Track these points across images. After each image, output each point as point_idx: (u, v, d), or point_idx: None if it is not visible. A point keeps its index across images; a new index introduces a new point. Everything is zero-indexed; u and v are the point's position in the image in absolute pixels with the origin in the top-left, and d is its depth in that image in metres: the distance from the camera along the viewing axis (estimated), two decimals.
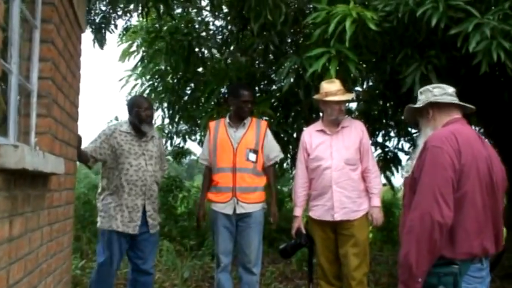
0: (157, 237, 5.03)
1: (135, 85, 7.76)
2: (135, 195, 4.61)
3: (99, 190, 4.76)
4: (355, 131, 4.66)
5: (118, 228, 4.57)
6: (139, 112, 4.72)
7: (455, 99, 2.83)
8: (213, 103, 7.00)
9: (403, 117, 3.19)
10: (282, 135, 6.76)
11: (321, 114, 5.05)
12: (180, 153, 9.62)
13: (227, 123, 4.92)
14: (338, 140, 4.61)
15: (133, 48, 7.56)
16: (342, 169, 4.54)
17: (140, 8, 6.09)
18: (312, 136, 4.73)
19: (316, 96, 4.73)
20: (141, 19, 7.12)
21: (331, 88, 4.57)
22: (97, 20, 8.34)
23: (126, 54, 7.58)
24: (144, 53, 7.45)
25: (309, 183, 4.71)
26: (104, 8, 8.38)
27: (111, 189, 4.63)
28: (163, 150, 5.15)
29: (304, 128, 4.91)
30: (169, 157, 10.34)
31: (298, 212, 4.74)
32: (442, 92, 2.83)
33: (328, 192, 4.55)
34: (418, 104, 2.88)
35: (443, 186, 2.48)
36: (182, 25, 7.19)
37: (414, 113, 2.97)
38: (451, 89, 2.86)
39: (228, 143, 4.81)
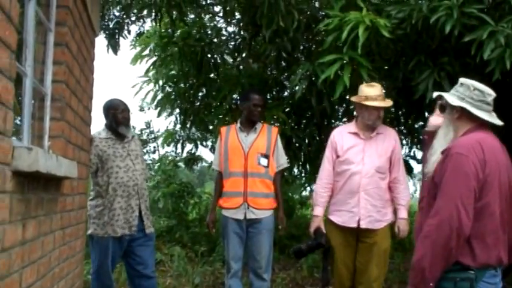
0: (153, 238, 4.95)
1: (149, 92, 7.77)
2: (128, 196, 4.57)
3: (90, 197, 4.66)
4: (389, 139, 4.52)
5: (116, 233, 4.52)
6: (115, 114, 4.67)
7: (490, 112, 2.72)
8: (225, 109, 7.00)
9: (433, 96, 3.00)
10: (294, 141, 6.75)
11: (355, 114, 4.89)
12: (192, 160, 9.62)
13: (238, 128, 4.93)
14: (371, 145, 4.46)
15: (146, 52, 7.58)
16: (371, 176, 4.41)
17: (153, 13, 6.12)
18: (343, 137, 4.56)
19: (354, 99, 4.53)
20: (154, 24, 7.15)
21: (371, 92, 4.39)
22: (111, 26, 8.40)
23: (138, 57, 7.60)
24: (157, 57, 7.47)
25: (332, 184, 4.56)
26: (117, 14, 8.43)
27: (103, 196, 4.56)
28: (142, 152, 5.13)
29: (335, 131, 4.74)
30: (181, 163, 10.37)
31: (319, 211, 4.56)
32: (481, 97, 2.70)
33: (354, 197, 4.41)
34: (451, 99, 2.76)
35: (466, 196, 2.46)
36: (195, 31, 7.21)
37: (442, 99, 2.85)
38: (490, 97, 2.73)
39: (239, 147, 4.82)
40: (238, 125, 4.95)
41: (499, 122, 2.75)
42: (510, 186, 2.60)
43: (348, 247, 4.51)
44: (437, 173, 2.60)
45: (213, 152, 8.42)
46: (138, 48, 7.69)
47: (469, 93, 2.72)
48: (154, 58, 7.49)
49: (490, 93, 2.74)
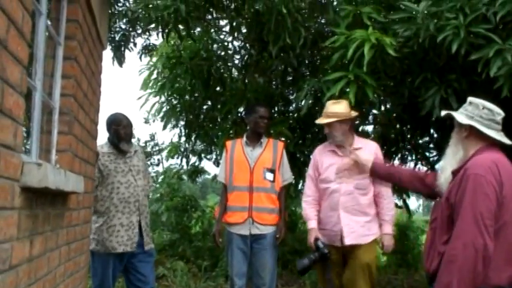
0: (153, 255, 4.95)
1: (154, 104, 7.79)
2: (129, 212, 4.56)
3: None
4: (369, 153, 4.47)
5: (116, 250, 4.50)
6: (118, 130, 4.67)
7: (498, 131, 2.73)
8: (230, 122, 7.01)
9: (442, 114, 2.99)
10: (298, 156, 6.74)
11: None
12: (195, 172, 9.61)
13: (244, 142, 4.93)
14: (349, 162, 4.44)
15: (154, 76, 7.63)
16: (350, 194, 4.38)
17: (160, 28, 6.14)
18: (323, 155, 4.59)
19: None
20: (160, 39, 7.17)
21: (327, 109, 4.49)
22: (117, 38, 8.42)
23: (147, 82, 7.65)
24: (165, 79, 7.51)
25: (318, 200, 4.55)
26: (123, 26, 8.46)
27: (103, 211, 4.55)
28: (146, 166, 5.10)
29: (317, 148, 4.78)
30: (184, 176, 10.35)
31: (312, 224, 4.52)
32: (490, 116, 2.71)
33: (334, 216, 4.40)
34: (460, 118, 2.76)
35: (487, 217, 2.45)
36: (201, 47, 7.24)
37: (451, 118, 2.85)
38: (500, 116, 2.74)
39: (245, 161, 4.81)
40: (244, 139, 4.95)
41: (508, 141, 2.75)
42: None
43: (335, 264, 4.47)
44: (452, 193, 2.58)
45: (217, 165, 8.45)
46: (146, 72, 7.72)
47: (478, 112, 2.73)
48: (163, 81, 7.53)
49: (499, 112, 2.75)
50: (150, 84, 7.64)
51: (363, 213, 4.41)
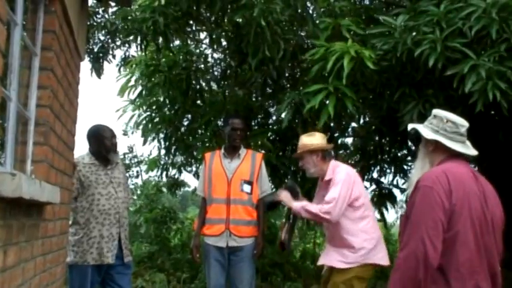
0: (131, 267, 4.93)
1: (133, 116, 7.76)
2: (109, 224, 4.52)
3: (70, 224, 4.52)
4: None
5: (96, 261, 4.46)
6: (104, 141, 4.64)
7: (464, 142, 2.75)
8: (209, 134, 7.01)
9: (408, 129, 3.02)
10: (279, 168, 6.76)
11: None
12: (175, 185, 9.58)
13: (222, 154, 4.91)
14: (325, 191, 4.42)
15: (132, 82, 7.59)
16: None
17: (139, 40, 6.14)
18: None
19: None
20: (139, 52, 7.17)
21: (299, 142, 4.50)
22: (95, 50, 8.41)
23: (124, 89, 7.60)
24: (143, 87, 7.49)
25: None
26: (102, 38, 8.45)
27: (83, 223, 4.50)
28: (126, 179, 5.09)
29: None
30: (164, 188, 10.31)
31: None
32: (454, 129, 2.74)
33: None
34: (426, 132, 2.78)
35: (431, 228, 2.47)
36: (181, 58, 7.25)
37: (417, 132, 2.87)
38: (464, 128, 2.77)
39: (223, 173, 4.80)
40: (222, 151, 4.94)
41: (473, 152, 2.78)
42: (485, 214, 2.59)
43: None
44: (408, 207, 2.63)
45: (197, 178, 8.42)
46: (124, 79, 7.68)
47: (442, 125, 2.76)
48: (140, 88, 7.51)
49: (463, 124, 2.78)
50: (127, 92, 7.59)
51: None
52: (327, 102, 4.97)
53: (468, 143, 2.80)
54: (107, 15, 8.09)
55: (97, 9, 8.09)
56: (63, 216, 3.86)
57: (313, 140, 4.44)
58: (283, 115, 5.85)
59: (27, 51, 3.02)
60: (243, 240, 4.72)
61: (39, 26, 3.11)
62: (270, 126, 7.38)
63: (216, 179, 4.81)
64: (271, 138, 7.00)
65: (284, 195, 4.46)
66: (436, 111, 2.86)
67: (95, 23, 7.95)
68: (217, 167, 4.84)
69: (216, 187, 4.79)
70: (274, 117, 7.44)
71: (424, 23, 4.71)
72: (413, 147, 6.88)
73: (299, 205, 4.34)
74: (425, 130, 2.81)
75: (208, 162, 4.92)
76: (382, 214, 7.45)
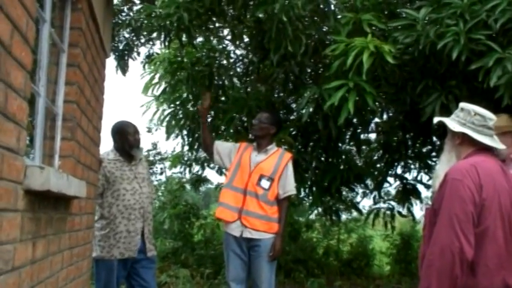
0: (155, 261, 5.03)
1: (156, 111, 7.82)
2: (134, 219, 4.59)
3: (96, 219, 4.64)
4: None
5: (122, 255, 4.55)
6: (128, 137, 4.72)
7: (491, 136, 2.72)
8: (232, 131, 7.03)
9: (434, 122, 2.96)
10: (301, 163, 6.76)
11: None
12: (198, 181, 9.64)
13: (254, 146, 5.04)
14: None
15: (156, 80, 7.64)
16: None
17: (163, 37, 6.18)
18: None
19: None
20: (163, 49, 7.21)
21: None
22: (120, 47, 8.50)
23: (148, 86, 7.66)
24: (167, 84, 7.53)
25: None
26: (127, 35, 8.54)
27: (109, 218, 4.57)
28: (150, 174, 5.16)
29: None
30: (187, 185, 10.37)
31: None
32: (482, 122, 2.70)
33: None
34: (453, 125, 2.76)
35: (463, 221, 2.44)
36: (203, 54, 7.28)
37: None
38: (492, 122, 2.72)
39: (247, 164, 4.88)
40: (255, 143, 5.07)
41: (501, 146, 2.75)
42: None
43: None
44: (436, 200, 2.59)
45: (220, 174, 8.48)
46: (148, 77, 7.74)
47: (469, 119, 2.73)
48: (164, 85, 7.55)
49: (491, 118, 2.74)
50: (151, 89, 7.65)
51: None
52: (348, 97, 4.95)
53: (496, 137, 2.78)
54: (131, 13, 8.16)
55: (122, 7, 8.18)
56: (89, 211, 3.92)
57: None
58: (303, 110, 5.85)
59: (55, 47, 3.08)
60: (258, 234, 4.73)
61: (67, 23, 3.18)
62: (292, 122, 7.36)
63: (241, 167, 4.90)
64: (293, 133, 7.00)
65: None
66: (463, 104, 2.83)
67: (119, 21, 8.03)
68: (246, 157, 4.95)
69: (238, 176, 4.87)
70: (295, 113, 7.42)
71: (448, 15, 4.66)
72: (438, 143, 6.82)
73: None
74: (452, 123, 2.78)
75: (241, 150, 5.03)
76: (409, 209, 7.43)
